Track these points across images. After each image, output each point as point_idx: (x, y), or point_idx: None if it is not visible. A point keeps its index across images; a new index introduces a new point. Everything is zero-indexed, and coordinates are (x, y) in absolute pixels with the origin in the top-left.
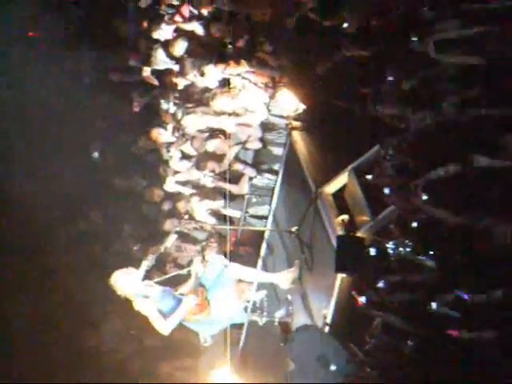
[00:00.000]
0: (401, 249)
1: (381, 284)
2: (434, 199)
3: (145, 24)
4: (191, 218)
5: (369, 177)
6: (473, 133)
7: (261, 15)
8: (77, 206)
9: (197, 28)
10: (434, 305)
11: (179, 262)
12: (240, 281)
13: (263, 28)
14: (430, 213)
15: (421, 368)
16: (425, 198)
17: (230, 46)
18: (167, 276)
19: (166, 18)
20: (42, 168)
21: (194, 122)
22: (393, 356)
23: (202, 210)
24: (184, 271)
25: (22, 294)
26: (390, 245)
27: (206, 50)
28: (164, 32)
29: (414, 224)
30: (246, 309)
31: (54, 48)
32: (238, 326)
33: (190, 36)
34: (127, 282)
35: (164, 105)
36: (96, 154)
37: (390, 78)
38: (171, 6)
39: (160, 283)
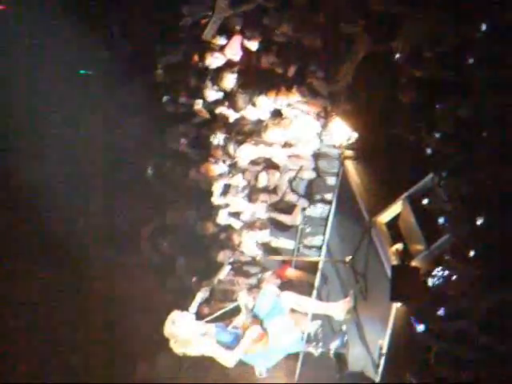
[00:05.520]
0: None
1: (440, 312)
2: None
3: (195, 58)
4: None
5: (425, 201)
6: None
7: (311, 42)
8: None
9: (246, 60)
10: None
11: (232, 295)
12: (294, 311)
13: (314, 55)
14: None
15: None
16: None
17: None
18: (217, 314)
19: (217, 50)
20: (98, 199)
21: (247, 153)
22: None
23: (251, 242)
24: (231, 306)
25: (79, 333)
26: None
27: (256, 81)
28: (214, 61)
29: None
30: (301, 338)
31: (106, 84)
32: (292, 358)
33: (239, 68)
34: (184, 324)
35: (215, 138)
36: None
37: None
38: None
39: (210, 321)
